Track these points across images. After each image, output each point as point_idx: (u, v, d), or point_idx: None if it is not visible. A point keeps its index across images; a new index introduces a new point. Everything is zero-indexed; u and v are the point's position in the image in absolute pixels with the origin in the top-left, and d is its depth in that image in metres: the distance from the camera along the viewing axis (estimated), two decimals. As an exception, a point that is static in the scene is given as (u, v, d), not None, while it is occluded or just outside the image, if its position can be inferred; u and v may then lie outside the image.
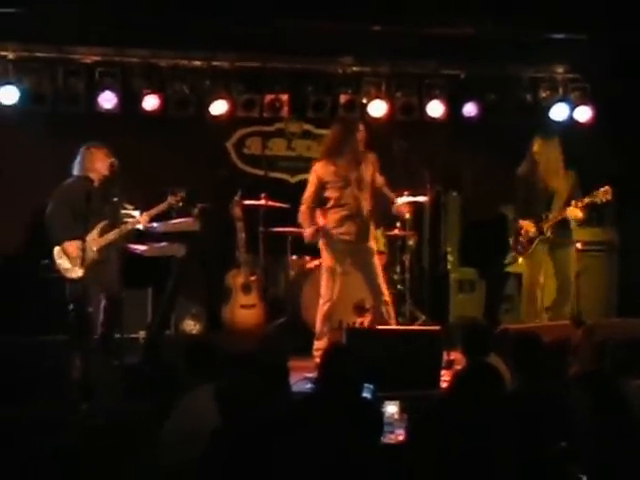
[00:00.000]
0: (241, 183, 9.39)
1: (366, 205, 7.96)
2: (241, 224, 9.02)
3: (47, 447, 3.38)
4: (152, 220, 8.22)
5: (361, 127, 7.95)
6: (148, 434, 4.63)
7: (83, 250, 7.68)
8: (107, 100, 9.30)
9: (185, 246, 9.04)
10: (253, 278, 8.99)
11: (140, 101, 9.39)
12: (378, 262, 8.08)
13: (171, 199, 8.26)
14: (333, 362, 4.86)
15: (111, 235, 7.93)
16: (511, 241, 8.58)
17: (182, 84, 9.51)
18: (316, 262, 9.28)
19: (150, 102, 9.38)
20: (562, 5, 9.15)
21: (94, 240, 7.85)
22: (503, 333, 7.08)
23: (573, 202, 8.22)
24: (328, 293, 8.00)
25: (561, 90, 10.09)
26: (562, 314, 8.29)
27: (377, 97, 9.80)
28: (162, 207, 8.25)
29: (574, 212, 8.22)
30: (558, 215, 8.28)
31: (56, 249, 7.88)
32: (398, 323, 8.27)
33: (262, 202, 9.24)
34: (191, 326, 9.24)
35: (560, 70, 10.16)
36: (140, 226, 8.12)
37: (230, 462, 4.03)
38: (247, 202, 8.99)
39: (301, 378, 6.87)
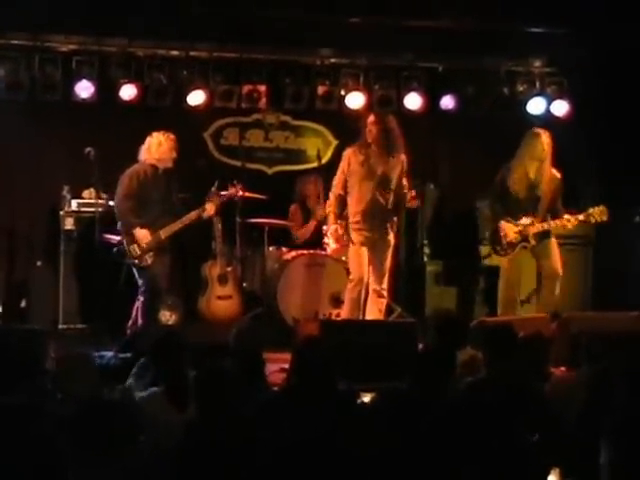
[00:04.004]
0: (218, 174, 9.36)
1: (387, 201, 8.02)
2: (218, 215, 8.99)
3: (20, 435, 3.38)
4: (217, 211, 8.38)
5: (393, 122, 8.00)
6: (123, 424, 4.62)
7: (154, 237, 7.93)
8: (84, 89, 9.24)
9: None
10: (229, 269, 8.98)
11: (117, 90, 9.34)
12: (391, 256, 8.11)
13: (232, 189, 8.51)
14: (306, 355, 4.87)
15: (178, 223, 8.07)
16: (488, 237, 8.55)
17: (160, 74, 9.47)
18: (293, 253, 9.29)
19: (127, 91, 9.33)
20: (540, -1, 9.20)
21: (162, 228, 7.96)
22: (479, 326, 7.10)
23: (566, 217, 8.18)
24: (357, 274, 8.02)
25: (538, 84, 10.12)
26: (548, 307, 8.20)
27: (355, 89, 9.80)
28: (224, 198, 8.45)
29: (565, 226, 8.22)
30: (546, 225, 8.22)
31: (126, 237, 7.98)
32: (385, 316, 8.30)
33: (239, 193, 9.22)
34: (167, 317, 9.20)
35: (537, 64, 10.19)
36: (208, 214, 8.28)
37: (206, 455, 4.02)
38: (224, 193, 8.97)
39: (277, 369, 6.86)
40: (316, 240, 9.41)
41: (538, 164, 8.25)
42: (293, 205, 9.71)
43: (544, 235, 8.31)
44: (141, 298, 8.02)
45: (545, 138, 8.24)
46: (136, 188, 7.92)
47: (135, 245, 7.89)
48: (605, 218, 8.15)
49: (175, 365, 4.96)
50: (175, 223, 8.03)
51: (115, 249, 8.07)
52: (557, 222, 8.21)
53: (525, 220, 8.25)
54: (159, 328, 8.53)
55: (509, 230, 8.27)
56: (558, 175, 8.33)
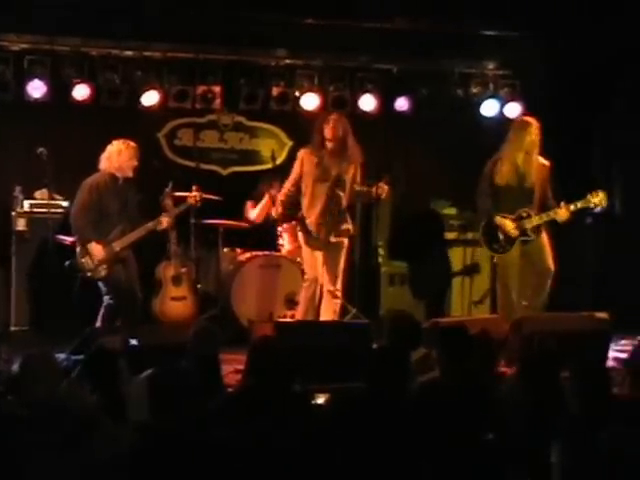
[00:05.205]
0: (172, 175, 9.32)
1: (341, 202, 8.03)
2: (172, 227, 8.93)
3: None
4: (172, 224, 8.29)
5: (344, 124, 8.00)
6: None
7: (107, 251, 7.79)
8: (36, 89, 9.16)
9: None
10: (184, 270, 8.94)
11: (70, 90, 9.26)
12: (344, 257, 8.14)
13: (190, 199, 8.45)
14: (260, 356, 4.87)
15: (134, 234, 7.96)
16: (481, 236, 8.18)
17: (113, 74, 9.40)
18: (247, 255, 9.27)
19: (80, 91, 9.25)
20: (494, 2, 9.28)
21: (117, 240, 7.87)
22: (433, 326, 7.13)
23: (564, 205, 7.82)
24: (311, 274, 8.11)
25: (492, 86, 10.20)
26: (542, 304, 8.08)
27: (310, 90, 9.81)
28: (183, 208, 8.41)
29: (564, 215, 7.83)
30: (545, 217, 7.87)
31: (79, 248, 7.85)
32: (340, 317, 8.32)
33: (197, 202, 9.16)
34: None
35: (491, 66, 10.28)
36: (162, 227, 8.16)
37: (161, 457, 4.00)
38: (178, 194, 8.93)
39: (232, 370, 6.85)
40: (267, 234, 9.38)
41: (525, 154, 7.94)
42: (249, 201, 9.66)
43: (537, 231, 7.97)
44: (104, 302, 7.97)
45: (534, 128, 7.92)
46: (95, 199, 7.84)
47: (88, 257, 7.81)
48: (605, 204, 7.84)
49: (107, 381, 4.88)
50: (131, 234, 7.95)
51: (67, 263, 7.97)
52: (557, 211, 7.83)
53: (522, 213, 7.92)
54: (112, 332, 8.49)
55: (507, 225, 7.92)
56: (547, 163, 8.02)
